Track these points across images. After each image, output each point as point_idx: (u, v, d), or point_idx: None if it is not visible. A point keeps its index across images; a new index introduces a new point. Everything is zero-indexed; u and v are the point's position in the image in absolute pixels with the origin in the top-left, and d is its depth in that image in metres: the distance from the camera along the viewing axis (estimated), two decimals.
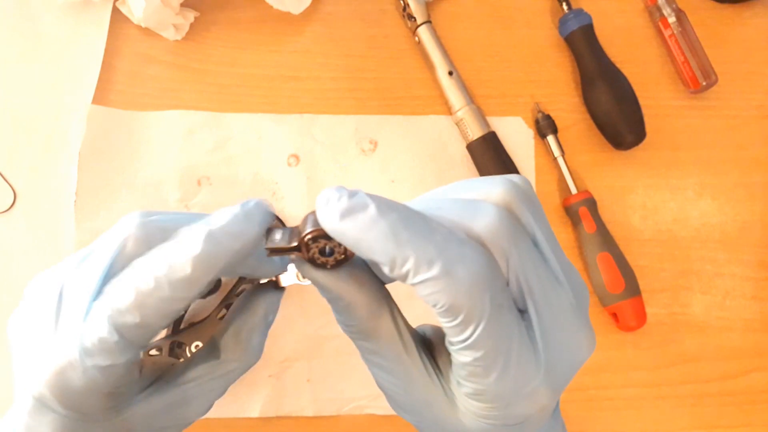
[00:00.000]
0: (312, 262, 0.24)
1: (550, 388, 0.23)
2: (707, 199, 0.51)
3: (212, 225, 0.23)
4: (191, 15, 0.49)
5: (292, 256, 0.24)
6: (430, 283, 0.21)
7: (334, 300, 0.25)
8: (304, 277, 0.25)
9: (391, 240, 0.21)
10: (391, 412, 0.27)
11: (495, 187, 0.23)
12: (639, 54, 0.52)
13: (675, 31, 0.51)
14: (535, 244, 0.23)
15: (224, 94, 0.49)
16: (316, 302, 0.47)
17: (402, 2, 0.50)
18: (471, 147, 0.49)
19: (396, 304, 0.25)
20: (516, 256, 0.22)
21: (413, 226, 0.21)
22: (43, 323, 0.24)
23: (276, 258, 0.26)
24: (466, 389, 0.23)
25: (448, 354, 0.24)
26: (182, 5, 0.48)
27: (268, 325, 0.29)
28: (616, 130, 0.49)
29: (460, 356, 0.22)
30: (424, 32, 0.50)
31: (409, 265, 0.21)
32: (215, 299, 0.44)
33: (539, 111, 0.50)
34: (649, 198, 0.51)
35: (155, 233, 0.24)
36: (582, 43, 0.50)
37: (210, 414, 0.28)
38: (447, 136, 0.50)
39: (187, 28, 0.50)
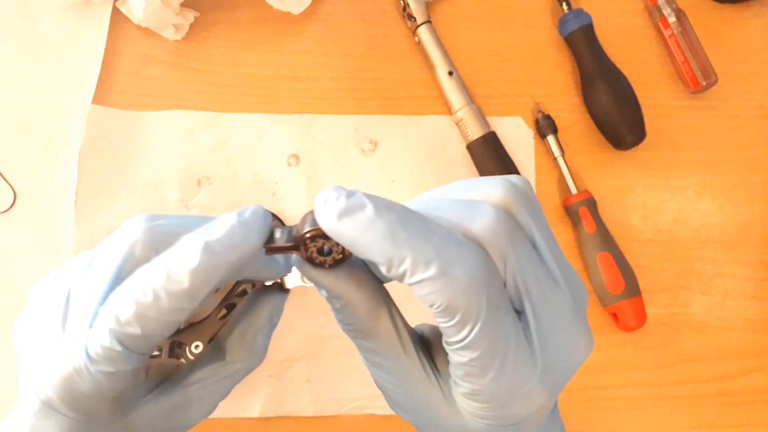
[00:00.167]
0: (311, 261, 0.24)
1: (546, 389, 0.23)
2: (707, 199, 0.51)
3: (209, 236, 0.22)
4: (191, 15, 0.49)
5: (292, 255, 0.24)
6: (427, 283, 0.21)
7: (333, 299, 0.25)
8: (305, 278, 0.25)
9: (388, 240, 0.21)
10: (391, 412, 0.27)
11: (494, 188, 0.23)
12: (639, 54, 0.52)
13: (675, 31, 0.51)
14: (534, 245, 0.23)
15: (224, 94, 0.49)
16: (316, 302, 0.47)
17: (402, 2, 0.50)
18: (471, 147, 0.49)
19: (395, 304, 0.25)
20: (513, 257, 0.22)
21: (411, 226, 0.21)
22: (50, 327, 0.24)
23: (281, 260, 0.26)
24: (463, 389, 0.23)
25: (446, 354, 0.24)
26: (182, 5, 0.48)
27: (273, 326, 0.29)
28: (616, 130, 0.49)
29: (457, 356, 0.23)
30: (424, 32, 0.50)
31: (406, 265, 0.21)
32: (215, 299, 0.44)
33: (539, 111, 0.50)
34: (649, 198, 0.51)
35: (162, 238, 0.24)
36: (582, 43, 0.50)
37: (210, 414, 0.28)
38: (447, 136, 0.50)
39: (187, 28, 0.50)
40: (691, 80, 0.51)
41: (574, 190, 0.49)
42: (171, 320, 0.23)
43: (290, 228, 0.24)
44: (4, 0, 0.49)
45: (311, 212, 0.23)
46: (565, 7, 0.51)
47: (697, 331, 0.50)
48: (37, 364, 0.24)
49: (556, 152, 0.49)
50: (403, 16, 0.51)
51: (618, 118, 0.49)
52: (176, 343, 0.43)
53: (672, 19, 0.51)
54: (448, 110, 0.50)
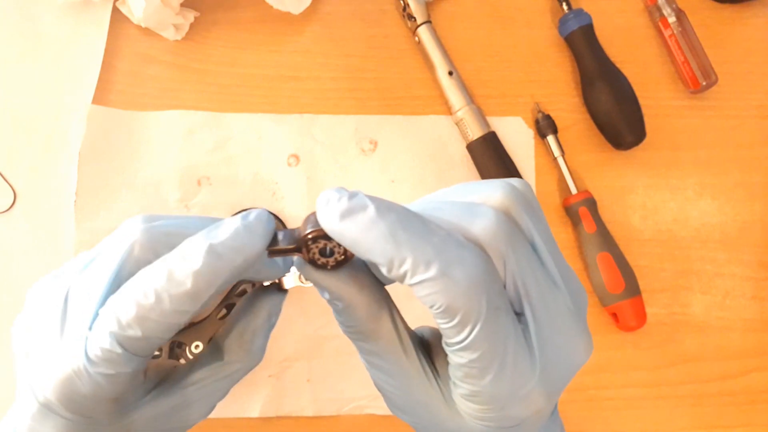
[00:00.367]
0: (312, 263, 0.24)
1: (545, 391, 0.23)
2: (707, 199, 0.51)
3: (214, 239, 0.22)
4: (191, 15, 0.49)
5: (293, 257, 0.24)
6: (427, 283, 0.21)
7: (334, 301, 0.25)
8: (305, 279, 0.25)
9: (389, 241, 0.21)
10: (390, 412, 0.27)
11: (494, 191, 0.23)
12: (639, 54, 0.52)
13: (675, 31, 0.51)
14: (534, 247, 0.23)
15: (224, 94, 0.49)
16: (316, 302, 0.47)
17: (402, 2, 0.50)
18: (471, 147, 0.49)
19: (395, 306, 0.25)
20: (513, 259, 0.22)
21: (412, 227, 0.21)
22: (48, 329, 0.24)
23: (279, 261, 0.26)
24: (462, 390, 0.23)
25: (446, 356, 0.24)
26: (182, 5, 0.48)
27: (271, 326, 0.29)
28: (616, 130, 0.49)
29: (457, 357, 0.23)
30: (424, 32, 0.50)
31: (407, 265, 0.21)
32: (215, 299, 0.44)
33: (539, 111, 0.50)
34: (649, 198, 0.51)
35: (161, 238, 0.23)
36: (582, 43, 0.50)
37: (210, 414, 0.28)
38: (447, 136, 0.50)
39: (187, 28, 0.50)
40: (691, 80, 0.51)
41: (574, 190, 0.49)
42: (172, 322, 0.22)
43: (292, 230, 0.24)
44: (4, 0, 0.49)
45: (313, 214, 0.23)
46: (565, 7, 0.51)
47: (697, 331, 0.50)
48: (35, 365, 0.24)
49: (556, 152, 0.49)
50: (403, 16, 0.51)
51: (618, 118, 0.49)
52: (176, 343, 0.43)
53: (672, 19, 0.51)
54: (448, 110, 0.50)
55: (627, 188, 0.51)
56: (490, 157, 0.48)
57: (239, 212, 0.48)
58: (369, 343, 0.25)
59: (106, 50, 0.48)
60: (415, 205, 0.24)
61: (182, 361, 0.43)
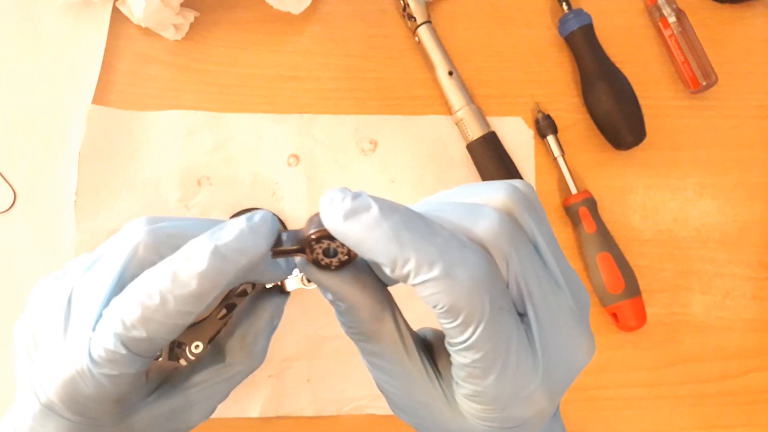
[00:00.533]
0: (316, 263, 0.24)
1: (548, 392, 0.23)
2: (707, 199, 0.51)
3: (218, 240, 0.22)
4: (191, 15, 0.49)
5: (297, 258, 0.24)
6: (430, 283, 0.21)
7: (337, 302, 0.25)
8: (308, 281, 0.25)
9: (393, 241, 0.21)
10: (390, 412, 0.27)
11: (497, 192, 0.23)
12: (639, 54, 0.52)
13: (675, 31, 0.51)
14: (536, 248, 0.23)
15: (224, 94, 0.49)
16: (316, 302, 0.47)
17: (402, 2, 0.50)
18: (471, 147, 0.49)
19: (398, 307, 0.25)
20: (516, 260, 0.22)
21: (415, 227, 0.21)
22: (51, 330, 0.24)
23: (282, 262, 0.26)
24: (465, 390, 0.23)
25: (448, 357, 0.24)
26: (182, 5, 0.48)
27: (273, 329, 0.29)
28: (616, 130, 0.49)
29: (460, 357, 0.23)
30: (424, 32, 0.50)
31: (411, 265, 0.21)
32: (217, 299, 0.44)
33: (539, 111, 0.50)
34: (649, 198, 0.51)
35: (164, 240, 0.23)
36: (582, 43, 0.50)
37: (209, 416, 0.28)
38: (447, 136, 0.50)
39: (187, 28, 0.50)
40: (691, 80, 0.51)
41: (574, 190, 0.49)
42: (177, 323, 0.23)
43: (296, 231, 0.24)
44: (4, 0, 0.49)
45: (316, 215, 0.23)
46: (565, 7, 0.51)
47: (697, 331, 0.50)
48: (38, 366, 0.24)
49: (556, 152, 0.49)
50: (403, 16, 0.51)
51: (618, 118, 0.49)
52: (176, 343, 0.43)
53: (672, 19, 0.51)
54: (448, 110, 0.50)
55: (627, 188, 0.51)
56: (490, 157, 0.48)
57: (239, 212, 0.48)
58: (371, 344, 0.25)
59: (106, 50, 0.48)
60: (418, 206, 0.24)
61: (182, 361, 0.43)
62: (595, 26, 0.50)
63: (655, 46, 0.53)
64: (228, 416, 0.46)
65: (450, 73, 0.49)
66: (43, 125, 0.48)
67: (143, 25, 0.48)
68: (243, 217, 0.23)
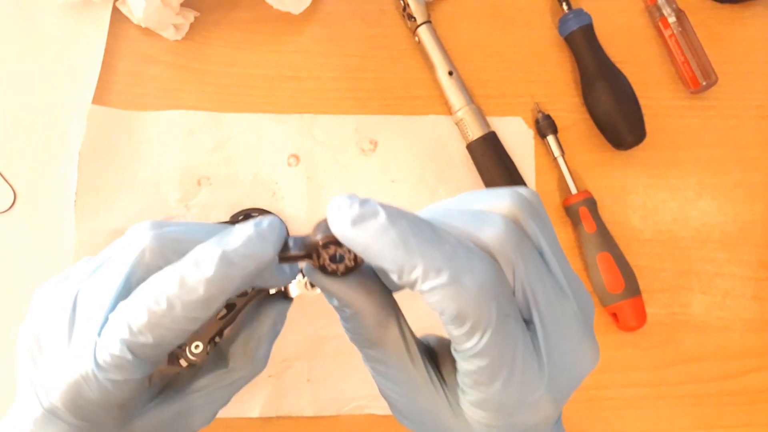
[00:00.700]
0: (322, 269, 0.24)
1: (553, 398, 0.23)
2: (707, 199, 0.51)
3: (226, 246, 0.22)
4: (191, 15, 0.49)
5: (303, 264, 0.24)
6: (437, 290, 0.21)
7: (342, 308, 0.25)
8: (312, 286, 0.25)
9: (400, 247, 0.21)
10: (390, 412, 0.27)
11: (502, 199, 0.23)
12: (639, 54, 0.52)
13: (675, 31, 0.51)
14: (542, 255, 0.23)
15: (224, 94, 0.49)
16: (316, 303, 0.47)
17: (402, 2, 0.50)
18: (471, 147, 0.49)
19: (402, 314, 0.25)
20: (522, 267, 0.22)
21: (422, 234, 0.21)
22: (56, 334, 0.24)
23: (286, 268, 0.26)
24: (471, 397, 0.23)
25: (453, 364, 0.24)
26: (182, 5, 0.48)
27: (275, 335, 0.29)
28: (616, 130, 0.49)
29: (466, 364, 0.23)
30: (424, 32, 0.50)
31: (418, 272, 0.21)
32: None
33: (539, 111, 0.50)
34: (649, 198, 0.51)
35: (170, 245, 0.23)
36: (582, 43, 0.50)
37: (211, 421, 0.28)
38: (447, 136, 0.50)
39: (187, 28, 0.50)
40: (691, 80, 0.51)
41: (574, 190, 0.49)
42: (184, 329, 0.22)
43: (303, 237, 0.24)
44: (4, 0, 0.49)
45: (323, 221, 0.23)
46: (565, 7, 0.51)
47: (697, 331, 0.50)
48: (41, 370, 0.24)
49: (556, 152, 0.49)
50: (403, 16, 0.51)
51: (618, 118, 0.49)
52: None
53: (672, 19, 0.51)
54: (448, 110, 0.50)
55: (627, 188, 0.51)
56: (490, 157, 0.48)
57: (240, 212, 0.48)
58: (375, 351, 0.25)
59: (106, 50, 0.48)
60: (423, 213, 0.24)
61: (182, 361, 0.43)
62: (595, 26, 0.50)
63: (655, 46, 0.53)
64: (228, 416, 0.46)
65: (450, 73, 0.49)
66: (43, 125, 0.48)
67: (143, 25, 0.48)
68: (251, 223, 0.23)
